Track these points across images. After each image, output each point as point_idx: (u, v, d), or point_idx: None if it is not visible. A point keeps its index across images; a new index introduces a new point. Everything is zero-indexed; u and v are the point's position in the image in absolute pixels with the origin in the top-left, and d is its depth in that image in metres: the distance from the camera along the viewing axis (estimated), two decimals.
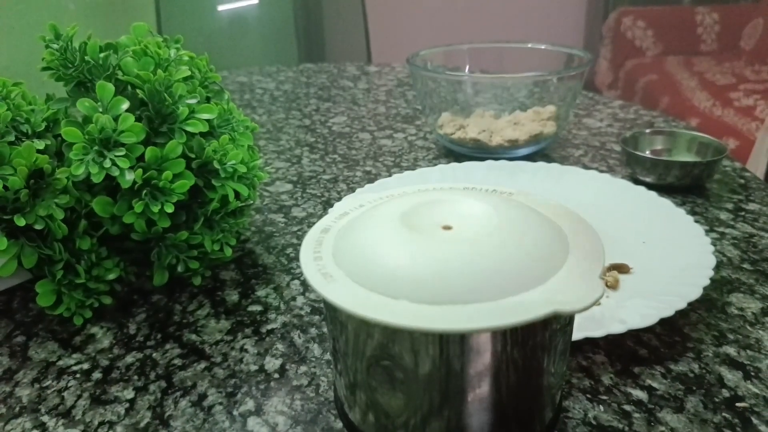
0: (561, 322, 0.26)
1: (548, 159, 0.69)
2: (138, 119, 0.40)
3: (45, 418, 0.35)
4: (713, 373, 0.36)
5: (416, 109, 0.90)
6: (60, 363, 0.39)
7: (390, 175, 0.65)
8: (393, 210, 0.28)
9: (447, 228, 0.27)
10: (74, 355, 0.40)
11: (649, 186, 0.57)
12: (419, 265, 0.25)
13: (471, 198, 0.30)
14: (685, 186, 0.61)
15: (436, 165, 0.68)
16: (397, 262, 0.25)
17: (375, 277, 0.25)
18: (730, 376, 0.36)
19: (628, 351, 0.38)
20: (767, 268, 0.47)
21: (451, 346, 0.24)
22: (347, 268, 0.26)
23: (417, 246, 0.25)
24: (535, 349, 0.26)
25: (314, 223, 0.31)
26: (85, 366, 0.39)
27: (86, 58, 0.42)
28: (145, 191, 0.39)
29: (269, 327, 0.42)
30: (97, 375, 0.38)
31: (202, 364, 0.39)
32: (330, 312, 0.28)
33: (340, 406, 0.30)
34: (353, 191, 0.60)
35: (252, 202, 0.49)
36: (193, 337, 0.41)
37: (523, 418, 0.28)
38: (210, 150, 0.42)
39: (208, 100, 0.46)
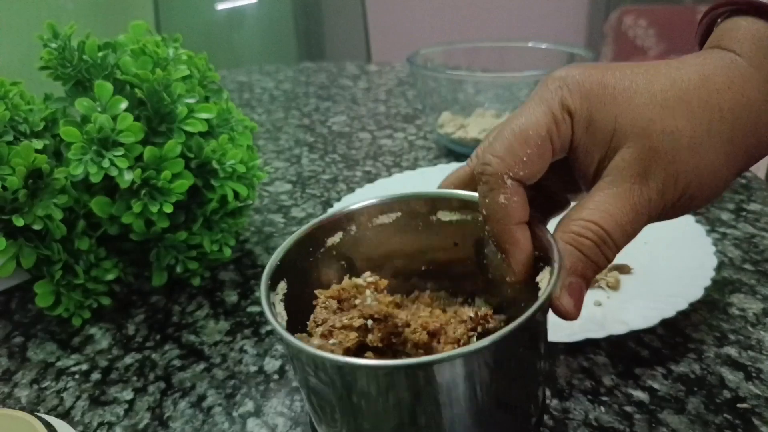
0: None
1: None
2: (136, 119, 0.40)
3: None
4: (715, 374, 0.36)
5: (416, 109, 0.89)
6: (59, 364, 0.39)
7: (390, 175, 0.64)
8: None
9: None
10: (73, 356, 0.40)
11: None
12: None
13: None
14: None
15: (436, 165, 0.67)
16: None
17: None
18: (732, 377, 0.36)
19: (629, 352, 0.38)
20: None
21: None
22: None
23: None
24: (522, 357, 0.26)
25: None
26: (84, 367, 0.39)
27: (84, 57, 0.42)
28: (143, 191, 0.39)
29: (269, 328, 0.42)
30: (96, 376, 0.38)
31: (202, 365, 0.38)
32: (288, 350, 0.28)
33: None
34: (353, 191, 0.60)
35: (251, 202, 0.49)
36: (192, 337, 0.41)
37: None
38: (209, 150, 0.42)
39: (207, 99, 0.46)
